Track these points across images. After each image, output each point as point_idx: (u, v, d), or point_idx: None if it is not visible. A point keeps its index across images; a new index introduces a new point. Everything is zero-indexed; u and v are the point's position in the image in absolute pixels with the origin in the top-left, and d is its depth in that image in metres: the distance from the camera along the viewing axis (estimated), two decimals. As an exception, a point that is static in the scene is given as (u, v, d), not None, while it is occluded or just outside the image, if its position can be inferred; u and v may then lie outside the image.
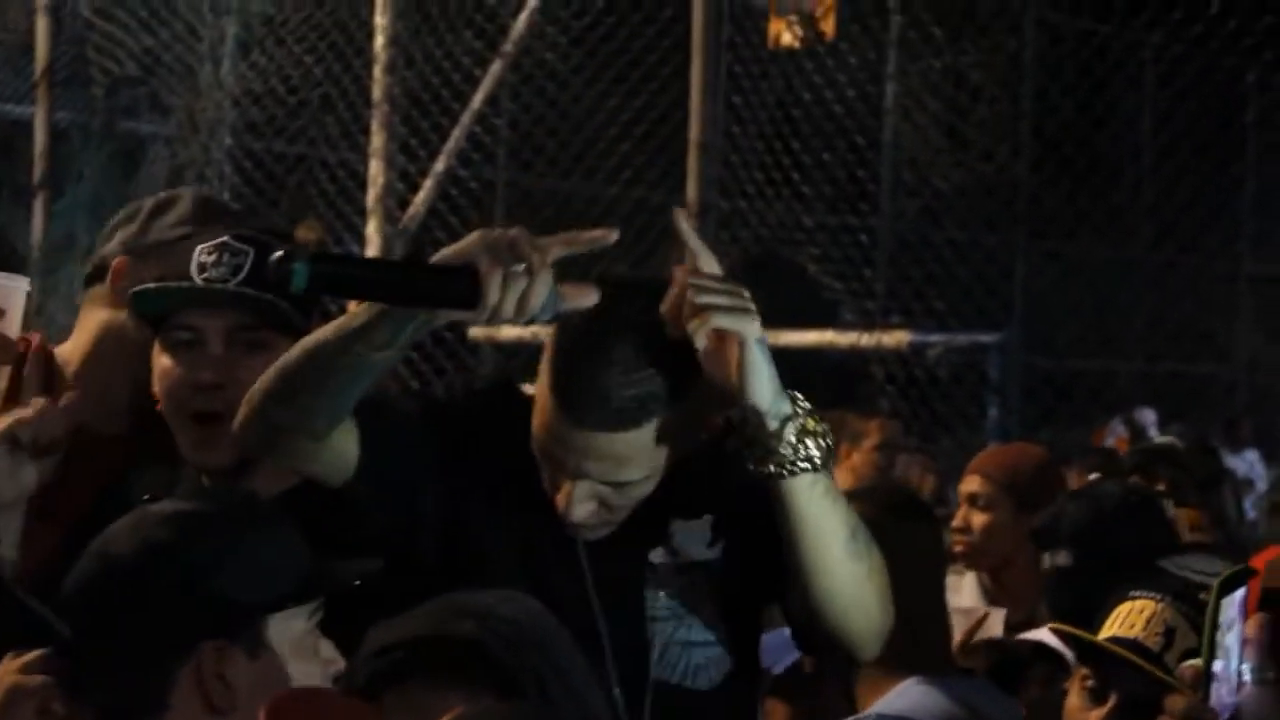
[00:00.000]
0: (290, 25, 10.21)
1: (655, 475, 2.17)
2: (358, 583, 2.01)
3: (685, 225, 2.13)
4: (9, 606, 2.16)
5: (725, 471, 2.22)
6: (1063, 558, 3.40)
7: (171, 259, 2.53)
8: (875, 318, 10.55)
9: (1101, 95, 12.51)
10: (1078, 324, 11.93)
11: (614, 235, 2.04)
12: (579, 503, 2.17)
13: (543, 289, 1.95)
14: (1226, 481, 6.27)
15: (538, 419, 2.17)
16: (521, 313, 1.95)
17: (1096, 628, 2.51)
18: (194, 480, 2.45)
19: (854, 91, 10.91)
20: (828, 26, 9.41)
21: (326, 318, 2.23)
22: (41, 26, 9.86)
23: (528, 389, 2.25)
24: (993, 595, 4.05)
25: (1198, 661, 2.20)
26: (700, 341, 2.06)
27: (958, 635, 3.56)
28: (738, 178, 10.51)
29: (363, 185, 9.25)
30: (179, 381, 2.44)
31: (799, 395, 2.12)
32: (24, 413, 2.36)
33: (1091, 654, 2.49)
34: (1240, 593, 2.26)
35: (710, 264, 2.10)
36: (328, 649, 1.96)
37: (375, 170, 8.96)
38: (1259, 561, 2.81)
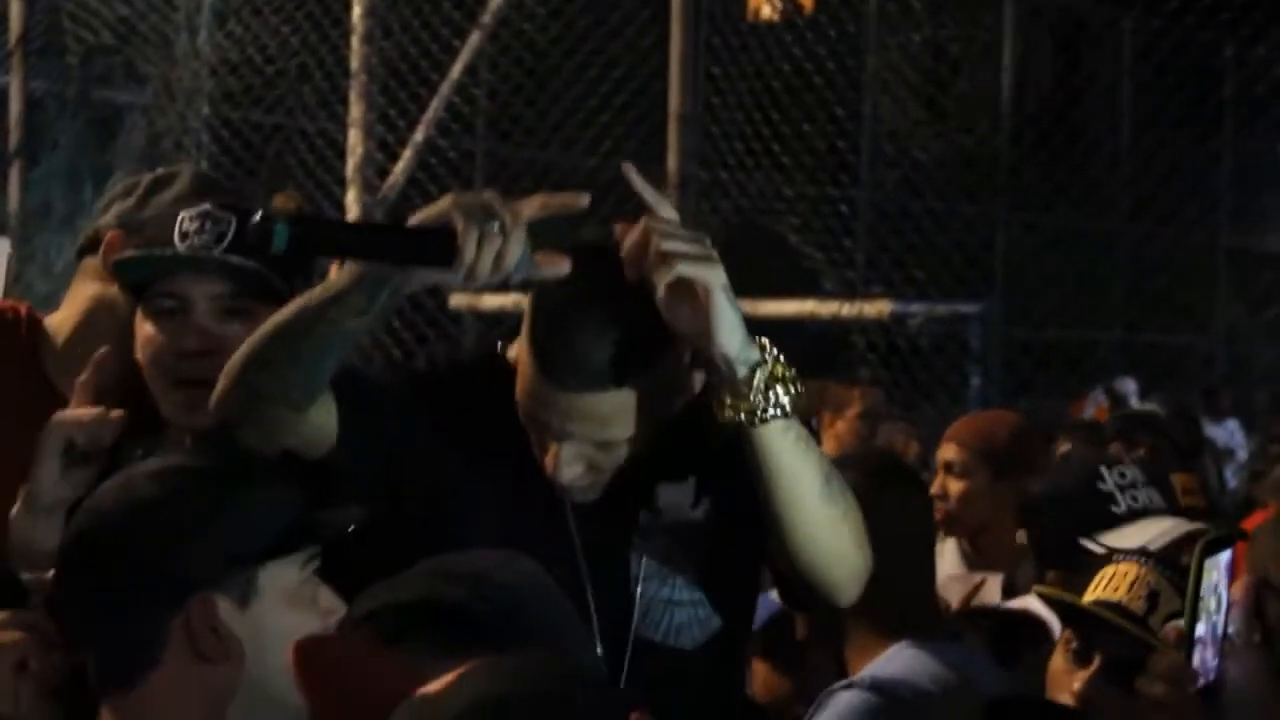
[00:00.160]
0: (267, -6, 10.16)
1: (640, 435, 2.18)
2: (351, 529, 2.02)
3: (638, 178, 2.12)
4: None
5: (707, 432, 2.22)
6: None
7: (160, 232, 2.52)
8: (856, 287, 10.56)
9: (1080, 68, 12.54)
10: (1057, 294, 11.95)
11: (585, 199, 2.07)
12: (566, 464, 2.18)
13: (516, 248, 1.99)
14: (1206, 450, 6.30)
15: (521, 384, 2.18)
16: (497, 270, 1.98)
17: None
18: (178, 442, 2.44)
19: (834, 64, 10.90)
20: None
21: (310, 285, 2.23)
22: (16, -5, 9.80)
23: (512, 354, 2.26)
24: (972, 561, 4.07)
25: (1181, 623, 2.21)
26: (661, 290, 2.06)
27: (955, 602, 3.56)
28: (718, 149, 10.50)
29: (341, 155, 9.23)
30: (163, 349, 2.43)
31: (766, 342, 2.12)
32: (81, 414, 2.32)
33: (1075, 617, 2.49)
34: (1225, 556, 2.27)
35: (669, 212, 2.10)
36: (327, 597, 1.94)
37: (354, 140, 8.94)
38: (1248, 524, 2.83)
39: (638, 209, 2.13)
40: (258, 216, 1.92)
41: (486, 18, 9.69)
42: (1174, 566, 2.45)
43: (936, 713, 2.66)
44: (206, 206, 2.44)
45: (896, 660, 2.73)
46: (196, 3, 10.05)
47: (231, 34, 10.15)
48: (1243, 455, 10.27)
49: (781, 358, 2.11)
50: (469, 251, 1.96)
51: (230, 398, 2.13)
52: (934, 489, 4.09)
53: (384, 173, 9.18)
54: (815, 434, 2.46)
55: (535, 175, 10.73)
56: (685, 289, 2.06)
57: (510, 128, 11.18)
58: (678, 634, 2.28)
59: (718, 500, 2.29)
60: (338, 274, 2.07)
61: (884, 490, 2.76)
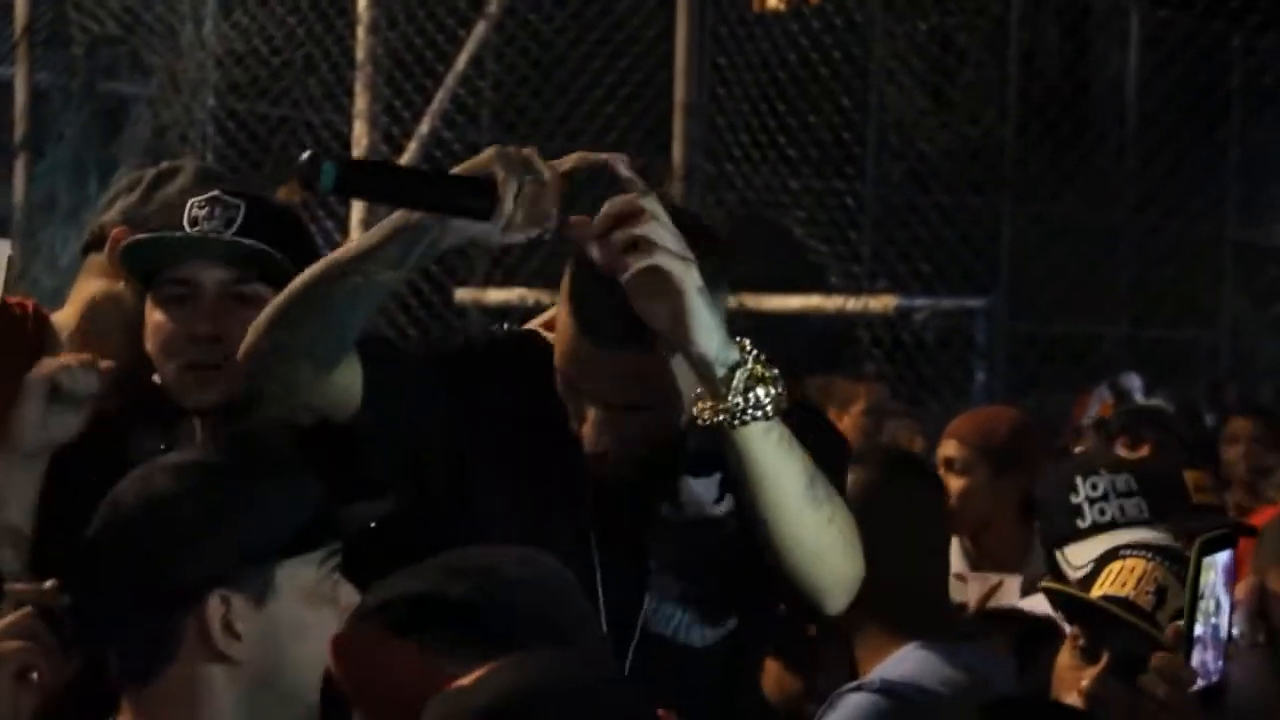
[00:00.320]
0: (272, -16, 10.14)
1: (667, 413, 2.16)
2: (373, 525, 2.02)
3: (623, 168, 2.12)
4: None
5: None
6: None
7: (167, 222, 2.52)
8: (861, 281, 10.53)
9: (1087, 59, 12.49)
10: (1062, 288, 11.92)
11: (624, 161, 2.10)
12: (601, 431, 2.18)
13: (554, 200, 2.05)
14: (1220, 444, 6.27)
15: (558, 347, 2.20)
16: (535, 222, 2.04)
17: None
18: (188, 431, 2.45)
19: (840, 54, 10.87)
20: (812, -12, 9.38)
21: None
22: (21, -13, 9.78)
23: (547, 331, 2.28)
24: (974, 559, 4.05)
25: (1181, 623, 2.20)
26: (627, 275, 2.04)
27: (972, 603, 3.53)
28: (723, 140, 10.47)
29: (347, 147, 9.20)
30: (174, 335, 2.44)
31: (747, 343, 2.11)
32: (67, 359, 2.35)
33: (1083, 613, 2.48)
34: (1224, 556, 2.24)
35: (656, 206, 2.09)
36: (348, 594, 1.94)
37: (359, 132, 8.93)
38: (1257, 520, 2.81)
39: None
40: (308, 154, 1.98)
41: (492, 8, 9.67)
42: (1183, 562, 2.43)
43: (946, 716, 2.64)
44: (215, 192, 2.47)
45: (907, 662, 2.72)
46: (202, -7, 10.05)
47: (237, 24, 10.13)
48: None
49: (763, 358, 2.09)
50: (508, 203, 2.01)
51: (256, 351, 2.14)
52: (934, 487, 4.07)
53: (389, 164, 9.13)
54: (826, 428, 2.45)
55: (540, 167, 10.67)
56: (660, 285, 2.04)
57: (516, 119, 11.15)
58: (688, 631, 2.27)
59: (741, 497, 2.26)
60: (373, 229, 2.09)
61: (895, 485, 2.74)
